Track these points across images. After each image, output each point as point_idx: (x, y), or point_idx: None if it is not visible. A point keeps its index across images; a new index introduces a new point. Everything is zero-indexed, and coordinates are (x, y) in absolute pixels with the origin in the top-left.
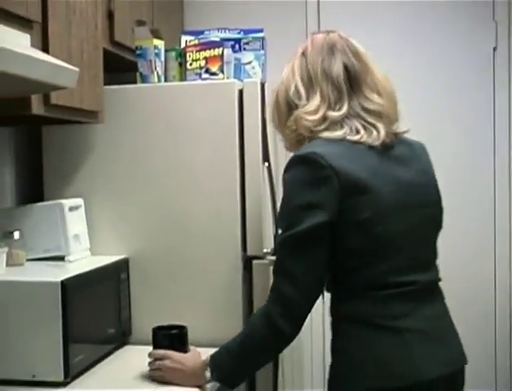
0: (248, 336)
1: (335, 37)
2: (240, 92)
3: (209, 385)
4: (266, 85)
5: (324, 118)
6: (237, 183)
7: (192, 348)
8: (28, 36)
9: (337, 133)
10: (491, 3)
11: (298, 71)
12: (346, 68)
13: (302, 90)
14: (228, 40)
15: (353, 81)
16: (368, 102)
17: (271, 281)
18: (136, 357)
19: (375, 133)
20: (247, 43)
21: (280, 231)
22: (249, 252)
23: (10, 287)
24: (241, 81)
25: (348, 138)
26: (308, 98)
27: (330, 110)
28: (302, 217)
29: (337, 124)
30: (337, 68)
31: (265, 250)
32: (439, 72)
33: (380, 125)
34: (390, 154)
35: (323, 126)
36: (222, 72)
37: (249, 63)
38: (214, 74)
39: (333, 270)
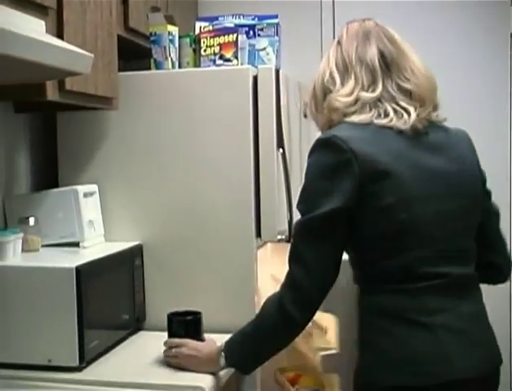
0: (260, 321)
1: (370, 25)
2: (255, 78)
3: (223, 372)
4: (280, 72)
5: (356, 100)
6: (251, 169)
7: (207, 337)
8: (43, 22)
9: (364, 117)
10: None
11: (333, 58)
12: (381, 53)
13: (337, 76)
14: (243, 26)
15: (389, 65)
16: (404, 81)
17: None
18: (150, 342)
19: (405, 116)
20: (261, 29)
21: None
22: (264, 238)
23: (25, 273)
24: (256, 67)
25: (376, 121)
26: (343, 83)
27: (363, 91)
28: (319, 203)
29: (367, 106)
30: (372, 53)
31: (279, 236)
32: (454, 64)
33: (411, 109)
34: (421, 140)
35: (353, 109)
36: (237, 58)
37: (264, 49)
38: (228, 60)
39: (360, 261)
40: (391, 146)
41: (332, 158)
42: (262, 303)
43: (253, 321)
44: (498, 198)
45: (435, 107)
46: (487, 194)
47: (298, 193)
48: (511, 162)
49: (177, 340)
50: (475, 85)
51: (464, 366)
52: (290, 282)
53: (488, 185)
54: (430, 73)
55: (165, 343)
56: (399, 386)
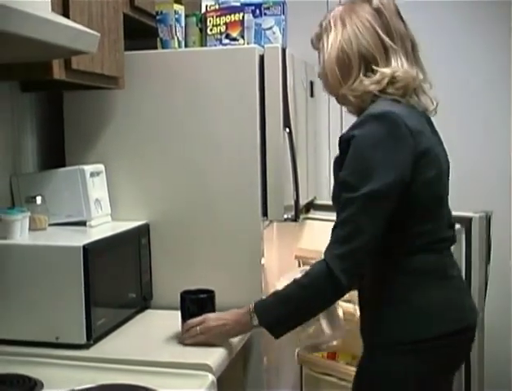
0: (303, 285)
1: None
2: (261, 58)
3: (228, 350)
4: (287, 51)
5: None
6: (258, 149)
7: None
8: (49, 0)
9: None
10: None
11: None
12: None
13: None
14: (249, 5)
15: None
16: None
17: None
18: (157, 321)
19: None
20: (268, 8)
21: (347, 188)
22: (270, 217)
23: (33, 252)
24: (262, 46)
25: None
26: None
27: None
28: (378, 174)
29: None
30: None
31: (285, 216)
32: (454, 64)
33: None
34: (429, 121)
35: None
36: (243, 37)
37: (270, 28)
38: (234, 40)
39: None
40: (423, 125)
41: (388, 131)
42: (268, 283)
43: (294, 284)
44: (498, 197)
45: None
46: None
47: (347, 163)
48: (511, 161)
49: (198, 319)
50: (475, 84)
51: (470, 313)
52: (342, 252)
53: (488, 183)
54: None
55: (186, 325)
56: (440, 335)
